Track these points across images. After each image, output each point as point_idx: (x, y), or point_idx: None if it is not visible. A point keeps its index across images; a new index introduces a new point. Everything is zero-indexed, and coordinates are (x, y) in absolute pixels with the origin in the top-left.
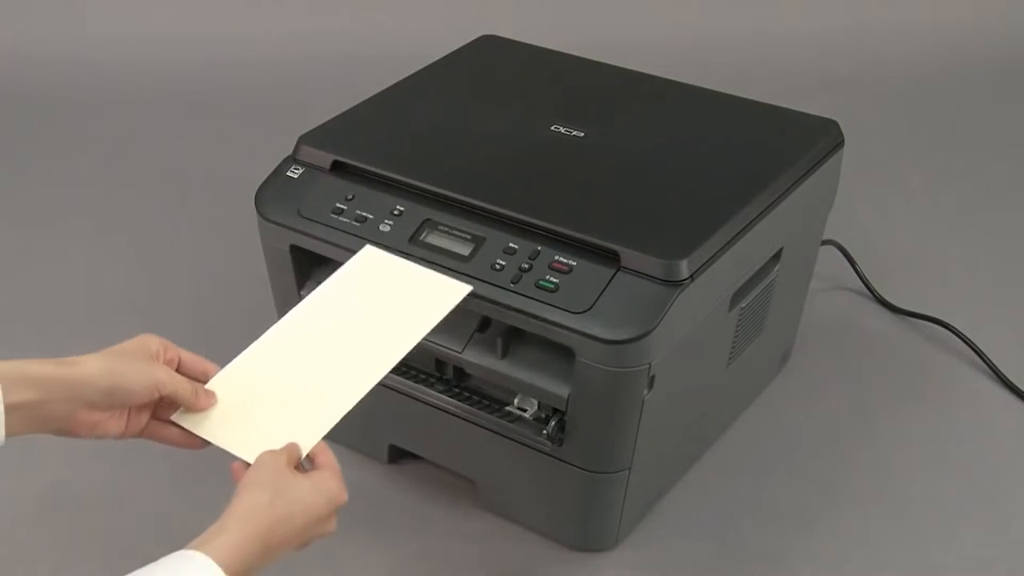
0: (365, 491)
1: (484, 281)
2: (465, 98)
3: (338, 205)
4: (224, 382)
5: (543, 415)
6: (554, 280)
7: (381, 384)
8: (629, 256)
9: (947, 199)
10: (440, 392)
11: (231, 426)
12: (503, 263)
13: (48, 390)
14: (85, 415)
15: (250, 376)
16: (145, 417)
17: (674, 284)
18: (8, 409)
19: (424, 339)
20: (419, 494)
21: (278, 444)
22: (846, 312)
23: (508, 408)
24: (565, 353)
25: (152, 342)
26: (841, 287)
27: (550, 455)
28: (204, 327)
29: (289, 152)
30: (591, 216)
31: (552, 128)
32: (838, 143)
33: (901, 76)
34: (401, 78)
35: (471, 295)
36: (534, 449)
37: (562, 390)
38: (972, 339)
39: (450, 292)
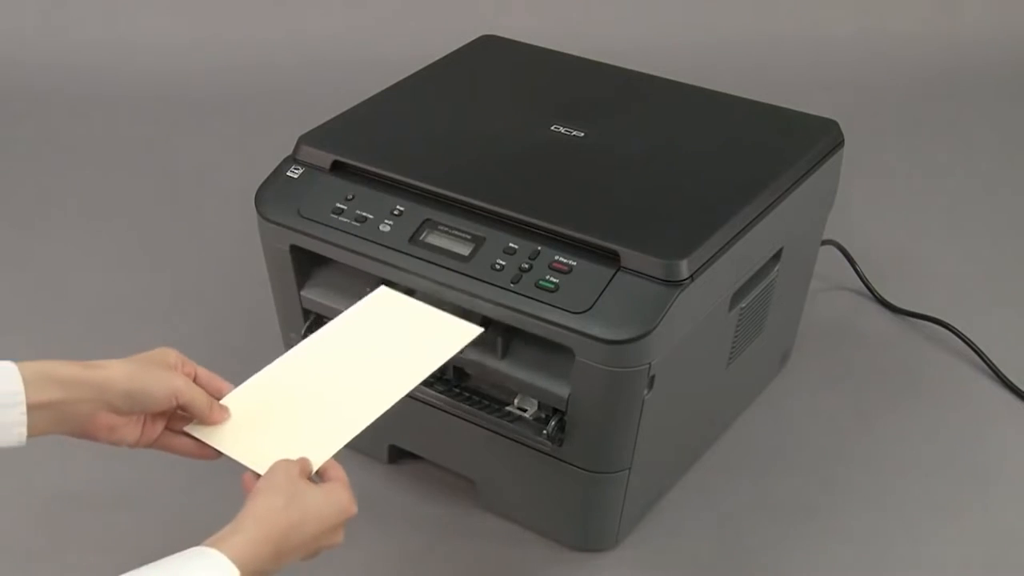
0: (365, 491)
1: (484, 281)
2: (465, 98)
3: (338, 205)
4: (237, 400)
5: (543, 415)
6: (554, 280)
7: None
8: (629, 256)
9: (947, 199)
10: (440, 392)
11: (243, 439)
12: (503, 263)
13: (72, 390)
14: (105, 418)
15: (262, 396)
16: (160, 426)
17: (674, 284)
18: (32, 408)
19: None
20: (419, 494)
21: (290, 458)
22: (846, 312)
23: (508, 408)
24: (565, 353)
25: (171, 355)
26: (841, 287)
27: (550, 455)
28: (204, 327)
29: (289, 152)
30: (591, 216)
31: (552, 128)
32: (838, 143)
33: (901, 76)
34: (401, 78)
35: (471, 295)
36: (534, 449)
37: (562, 390)
38: (972, 339)
39: (461, 332)
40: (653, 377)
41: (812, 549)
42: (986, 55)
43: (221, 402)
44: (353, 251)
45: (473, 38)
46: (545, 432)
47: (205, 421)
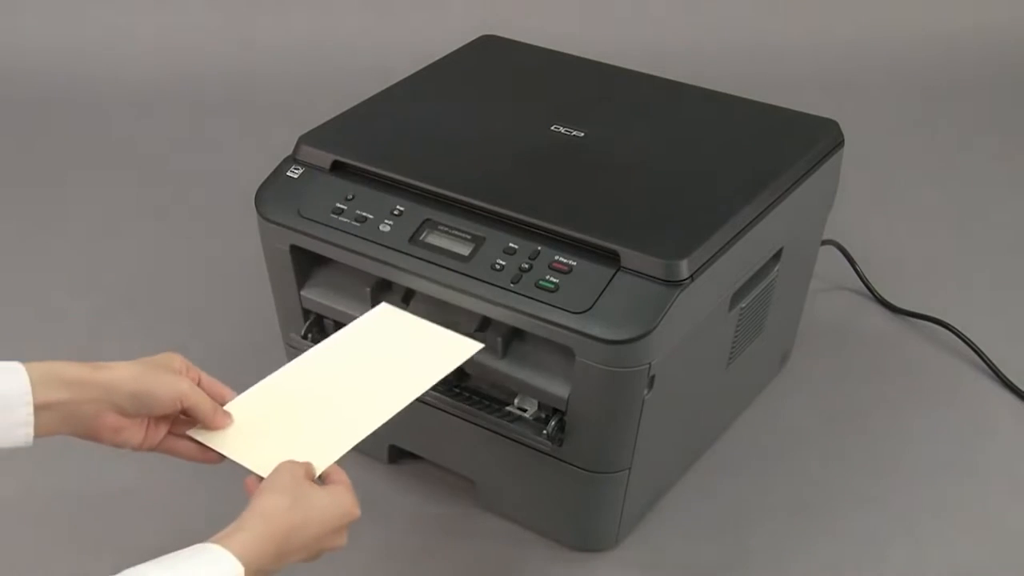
0: (365, 491)
1: (484, 281)
2: (465, 98)
3: (338, 205)
4: (239, 407)
5: (543, 415)
6: (554, 280)
7: None
8: (629, 256)
9: (947, 199)
10: (440, 392)
11: (246, 443)
12: (503, 263)
13: (79, 391)
14: (111, 419)
15: (264, 404)
16: (163, 430)
17: (674, 284)
18: (39, 408)
19: None
20: (419, 494)
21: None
22: (846, 312)
23: (508, 408)
24: (565, 353)
25: (176, 360)
26: (841, 287)
27: (550, 455)
28: (204, 327)
29: (289, 152)
30: (591, 216)
31: (552, 128)
32: (838, 143)
33: (901, 76)
34: (401, 78)
35: (471, 295)
36: (534, 449)
37: (562, 390)
38: (972, 339)
39: (461, 348)
40: (653, 377)
41: (812, 549)
42: (986, 55)
43: (224, 408)
44: (353, 251)
45: (473, 38)
46: (545, 432)
47: (209, 425)
